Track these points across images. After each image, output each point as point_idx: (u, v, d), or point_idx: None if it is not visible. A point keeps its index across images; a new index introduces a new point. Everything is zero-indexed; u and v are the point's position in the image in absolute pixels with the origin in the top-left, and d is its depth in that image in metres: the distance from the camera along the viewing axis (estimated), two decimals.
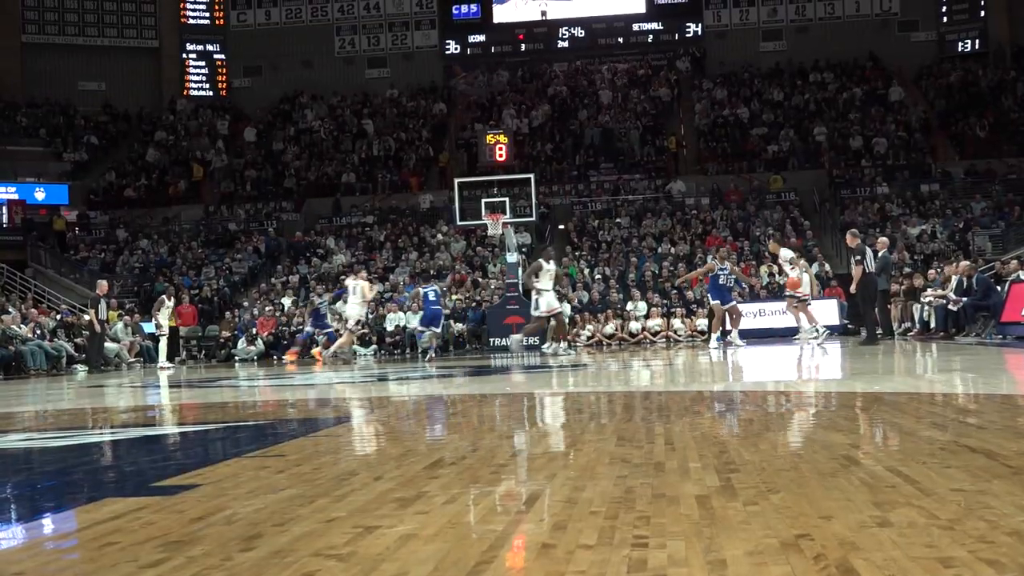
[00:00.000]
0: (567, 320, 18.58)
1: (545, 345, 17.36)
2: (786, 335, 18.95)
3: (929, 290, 17.88)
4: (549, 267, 16.29)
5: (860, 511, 2.42)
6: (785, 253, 17.12)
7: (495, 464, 3.61)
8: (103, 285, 19.76)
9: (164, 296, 20.79)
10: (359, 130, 35.98)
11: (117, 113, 38.41)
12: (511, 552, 2.22)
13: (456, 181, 23.74)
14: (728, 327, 16.72)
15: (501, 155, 29.58)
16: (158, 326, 20.12)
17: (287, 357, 19.53)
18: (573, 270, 24.27)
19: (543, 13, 39.08)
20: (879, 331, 15.15)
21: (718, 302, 16.50)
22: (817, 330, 16.07)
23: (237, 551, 2.28)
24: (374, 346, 21.68)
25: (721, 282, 16.39)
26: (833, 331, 19.95)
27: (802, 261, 17.71)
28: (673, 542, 2.19)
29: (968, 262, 17.53)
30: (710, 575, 1.93)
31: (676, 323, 21.23)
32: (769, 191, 29.64)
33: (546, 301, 16.09)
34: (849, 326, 19.96)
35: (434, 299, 17.97)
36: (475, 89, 38.55)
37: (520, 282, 20.31)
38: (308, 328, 19.97)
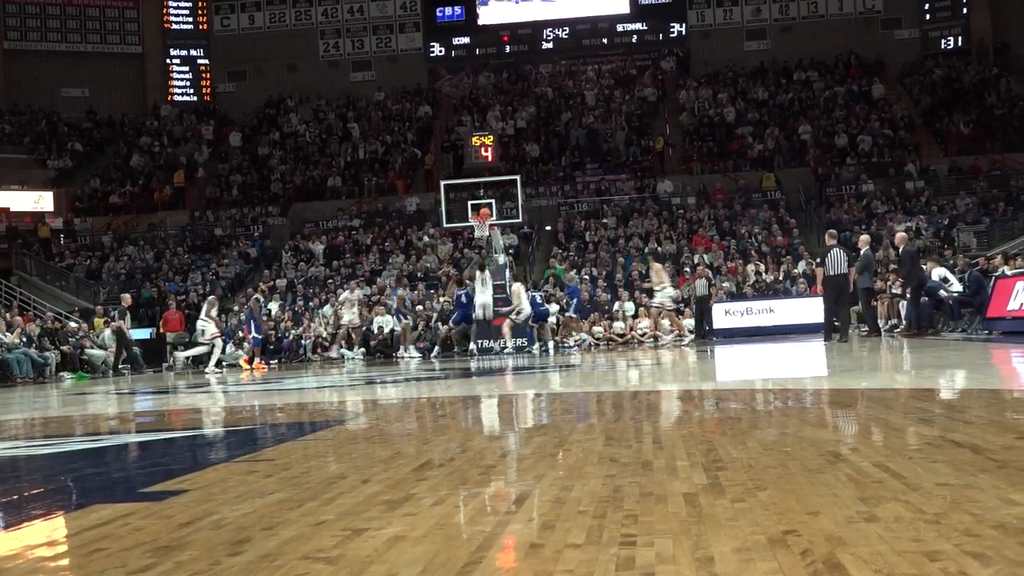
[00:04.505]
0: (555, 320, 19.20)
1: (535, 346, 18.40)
2: (772, 334, 19.05)
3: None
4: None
5: (847, 506, 2.43)
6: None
7: (483, 465, 3.61)
8: (127, 298, 20.86)
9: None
10: (344, 133, 35.92)
11: (101, 119, 38.22)
12: (500, 552, 2.22)
13: (442, 183, 23.66)
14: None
15: (487, 156, 29.55)
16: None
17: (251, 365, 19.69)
18: (561, 272, 24.21)
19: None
20: (865, 328, 15.22)
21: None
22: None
23: (225, 556, 2.28)
24: (361, 349, 21.63)
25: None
26: (819, 329, 20.06)
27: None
28: (661, 540, 2.19)
29: (964, 257, 17.60)
30: (698, 572, 1.93)
31: (664, 323, 21.22)
32: (761, 189, 29.69)
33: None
34: (837, 324, 19.97)
35: (466, 301, 19.57)
36: (460, 91, 38.53)
37: (507, 283, 20.51)
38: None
